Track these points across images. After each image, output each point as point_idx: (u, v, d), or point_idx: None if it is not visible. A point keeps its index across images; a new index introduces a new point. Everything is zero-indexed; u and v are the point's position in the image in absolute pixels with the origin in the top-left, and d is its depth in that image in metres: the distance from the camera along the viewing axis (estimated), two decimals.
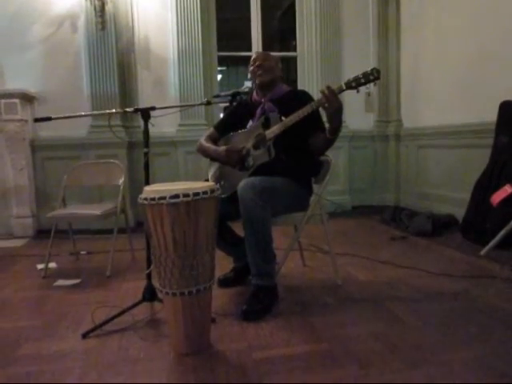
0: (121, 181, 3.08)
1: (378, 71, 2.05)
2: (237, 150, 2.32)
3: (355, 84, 2.06)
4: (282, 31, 7.55)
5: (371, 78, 2.05)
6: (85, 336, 1.93)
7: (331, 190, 4.65)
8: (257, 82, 2.41)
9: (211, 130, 2.61)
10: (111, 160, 3.28)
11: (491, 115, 3.45)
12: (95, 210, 2.89)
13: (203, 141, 2.53)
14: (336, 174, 4.83)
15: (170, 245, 1.69)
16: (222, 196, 1.99)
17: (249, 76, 2.48)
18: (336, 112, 2.05)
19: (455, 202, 3.98)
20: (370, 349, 1.74)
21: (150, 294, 2.11)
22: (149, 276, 2.11)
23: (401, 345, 1.77)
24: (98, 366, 1.69)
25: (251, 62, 2.44)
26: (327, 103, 2.03)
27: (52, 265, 3.10)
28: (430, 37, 4.44)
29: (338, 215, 4.64)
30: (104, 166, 3.26)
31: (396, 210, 4.50)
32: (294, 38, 5.16)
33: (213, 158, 2.47)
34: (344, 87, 2.07)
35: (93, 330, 1.96)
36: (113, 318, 2.02)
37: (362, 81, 2.06)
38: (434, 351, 1.71)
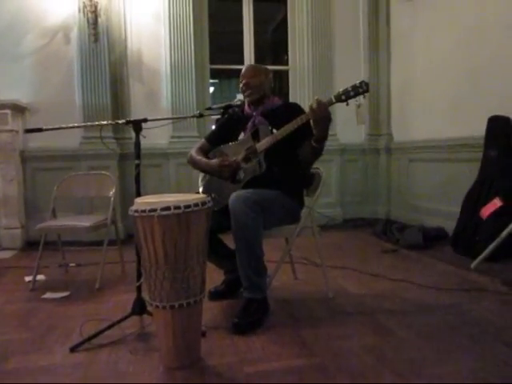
0: (112, 192, 3.06)
1: (367, 84, 2.08)
2: (229, 163, 2.32)
3: (345, 97, 2.09)
4: (274, 45, 7.63)
5: (360, 90, 2.07)
6: (73, 350, 1.90)
7: (323, 203, 4.67)
8: (246, 100, 2.44)
9: (202, 141, 2.61)
10: (102, 171, 3.26)
11: (480, 129, 3.50)
12: (85, 221, 2.88)
13: (194, 153, 2.53)
14: (328, 187, 4.85)
15: (161, 257, 1.69)
16: (214, 209, 1.99)
17: (240, 89, 2.49)
18: (323, 120, 2.04)
19: (446, 215, 4.01)
20: (363, 362, 1.74)
21: (139, 307, 2.09)
22: (139, 289, 2.10)
23: (393, 358, 1.77)
24: (87, 380, 1.66)
25: (240, 79, 2.46)
26: (315, 117, 2.04)
27: (40, 277, 3.06)
28: (420, 51, 4.51)
29: (330, 228, 4.65)
30: (95, 177, 3.25)
31: (387, 222, 4.52)
32: (286, 52, 5.21)
33: (204, 170, 2.47)
34: (333, 100, 2.09)
35: (81, 343, 1.93)
36: (102, 332, 2.00)
37: (351, 93, 2.08)
38: (426, 364, 1.71)
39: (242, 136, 2.46)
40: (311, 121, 2.08)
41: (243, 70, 2.47)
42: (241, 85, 2.44)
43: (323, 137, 2.09)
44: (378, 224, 4.52)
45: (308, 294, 2.60)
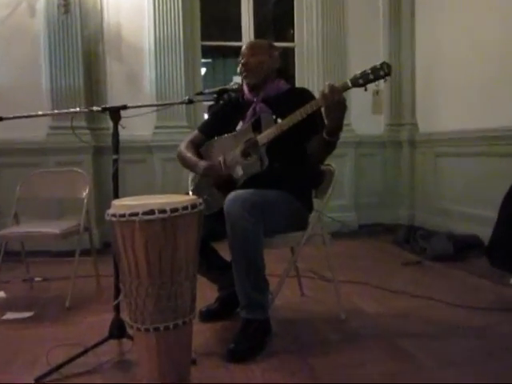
0: (85, 193, 3.07)
1: (389, 66, 2.07)
2: (216, 168, 2.34)
3: (363, 81, 2.07)
4: (277, 17, 7.63)
5: (381, 73, 2.06)
6: (39, 380, 1.90)
7: (334, 206, 4.66)
8: (245, 83, 2.45)
9: (195, 132, 2.62)
10: (74, 168, 3.27)
11: None
12: (54, 227, 2.87)
13: (183, 148, 2.54)
14: (340, 187, 4.85)
15: (143, 270, 1.69)
16: (206, 213, 2.00)
17: (238, 70, 2.50)
18: (337, 108, 2.03)
19: (480, 220, 4.01)
20: None
21: (118, 330, 2.09)
22: (117, 308, 2.10)
23: None
24: None
25: (239, 58, 2.47)
26: (327, 104, 2.04)
27: (0, 294, 3.06)
28: (450, 28, 4.51)
29: (343, 235, 4.65)
30: (65, 175, 3.25)
31: (410, 229, 4.52)
32: (292, 26, 5.22)
33: (192, 170, 2.49)
34: (350, 84, 2.08)
35: (49, 373, 1.93)
36: (73, 359, 2.00)
37: (371, 77, 2.07)
38: None
39: (240, 126, 2.47)
40: (323, 109, 2.08)
41: (243, 48, 2.48)
42: (239, 65, 2.46)
43: (337, 128, 2.08)
44: (399, 231, 4.53)
45: (317, 314, 2.61)
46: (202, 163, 2.38)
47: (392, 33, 5.13)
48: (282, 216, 2.28)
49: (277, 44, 2.67)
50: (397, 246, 4.27)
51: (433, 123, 4.84)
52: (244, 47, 2.48)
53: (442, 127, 4.65)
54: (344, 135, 2.24)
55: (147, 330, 1.72)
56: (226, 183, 2.32)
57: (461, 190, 4.41)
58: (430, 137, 4.85)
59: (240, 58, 2.46)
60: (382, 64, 2.08)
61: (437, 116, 4.78)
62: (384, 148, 5.23)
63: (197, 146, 2.54)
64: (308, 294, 2.95)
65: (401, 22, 5.12)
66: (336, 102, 2.01)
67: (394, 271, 3.48)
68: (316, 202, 2.51)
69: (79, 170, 3.21)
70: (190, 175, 2.58)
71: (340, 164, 4.73)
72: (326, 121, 2.09)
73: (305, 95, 2.39)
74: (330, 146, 2.18)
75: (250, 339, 2.12)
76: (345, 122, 2.12)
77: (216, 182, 2.35)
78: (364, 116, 4.97)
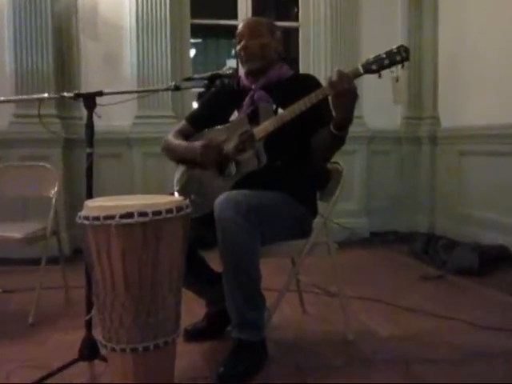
0: (53, 192, 3.06)
1: (407, 50, 2.08)
2: (217, 144, 2.33)
3: (376, 66, 2.08)
4: None
5: (398, 58, 2.07)
6: None
7: (342, 210, 4.65)
8: (245, 69, 2.45)
9: (182, 123, 2.63)
10: (41, 163, 3.26)
11: None
12: (16, 231, 2.86)
13: (171, 137, 2.54)
14: (349, 189, 4.86)
15: (120, 282, 1.69)
16: (194, 216, 1.99)
17: (235, 53, 2.50)
18: (346, 97, 2.03)
19: (510, 228, 4.02)
20: None
21: (89, 350, 2.08)
22: (89, 324, 2.09)
23: None
24: None
25: (236, 38, 2.46)
26: (335, 93, 2.03)
27: None
28: (479, 9, 4.51)
29: (352, 244, 4.65)
30: (31, 170, 3.24)
31: (430, 238, 4.53)
32: (296, 3, 5.23)
33: (184, 159, 2.47)
34: (361, 70, 2.08)
35: None
36: (38, 383, 1.98)
37: (386, 62, 2.07)
38: None
39: (235, 117, 2.47)
40: (330, 98, 2.08)
41: (240, 27, 2.47)
42: (237, 47, 2.44)
43: (347, 120, 2.08)
44: (417, 240, 4.53)
45: (320, 335, 2.61)
46: (198, 143, 2.37)
47: (412, 13, 5.15)
48: (281, 221, 2.27)
49: (278, 24, 2.67)
50: (414, 258, 4.27)
51: (457, 117, 4.85)
52: (242, 27, 2.47)
53: (468, 121, 4.66)
54: (354, 129, 2.23)
55: (123, 350, 1.71)
56: (221, 161, 2.32)
57: (488, 193, 4.42)
58: (454, 132, 4.86)
59: (237, 40, 2.45)
60: (399, 47, 2.08)
61: (462, 109, 4.79)
62: (400, 145, 5.24)
63: (185, 137, 2.54)
64: (310, 311, 2.95)
65: (422, 0, 5.13)
66: (345, 91, 2.01)
67: (410, 286, 3.48)
68: (321, 206, 2.51)
69: (47, 165, 3.20)
70: (177, 173, 2.56)
71: (349, 162, 4.75)
72: (333, 112, 2.09)
73: (310, 82, 2.38)
74: (337, 141, 2.18)
75: (243, 363, 2.11)
76: (355, 113, 2.11)
77: (215, 163, 2.33)
78: (378, 107, 4.96)
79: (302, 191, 2.38)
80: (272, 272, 2.44)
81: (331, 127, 2.10)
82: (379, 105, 5.01)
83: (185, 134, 2.55)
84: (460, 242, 4.29)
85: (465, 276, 3.67)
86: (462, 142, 4.75)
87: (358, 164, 5.01)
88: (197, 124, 2.56)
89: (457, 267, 3.80)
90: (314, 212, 2.46)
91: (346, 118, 2.08)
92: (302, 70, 4.97)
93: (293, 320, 2.83)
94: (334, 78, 2.00)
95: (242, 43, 2.42)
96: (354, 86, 2.03)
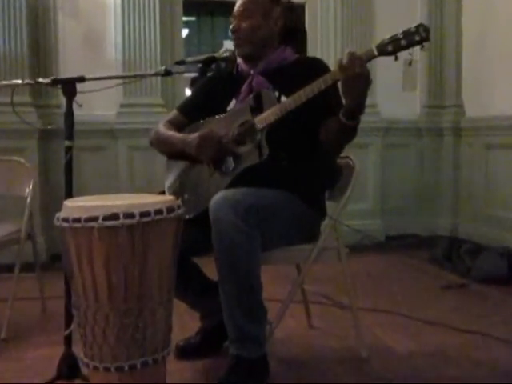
0: (28, 190, 3.05)
1: (427, 29, 2.07)
2: (216, 136, 2.32)
3: (392, 47, 2.07)
4: None
5: (416, 38, 2.07)
6: None
7: (354, 211, 4.67)
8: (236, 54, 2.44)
9: (174, 112, 2.63)
10: (14, 157, 3.25)
11: None
12: None
13: (162, 127, 2.54)
14: (362, 186, 4.87)
15: (103, 292, 1.69)
16: (187, 217, 1.99)
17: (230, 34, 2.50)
18: (358, 82, 2.03)
19: None
20: None
21: (69, 368, 2.07)
22: (68, 340, 2.09)
23: None
24: None
25: (231, 18, 2.46)
26: (346, 77, 2.04)
27: None
28: None
29: (365, 249, 4.66)
30: (2, 165, 3.24)
31: (453, 242, 4.53)
32: None
33: (177, 153, 2.47)
34: (375, 52, 2.07)
35: None
36: None
37: (403, 43, 2.07)
38: None
39: (233, 106, 2.47)
40: (340, 84, 2.09)
41: (236, 5, 2.47)
42: (230, 27, 2.45)
43: (358, 108, 2.09)
44: (438, 245, 4.53)
45: (329, 352, 2.61)
46: (194, 134, 2.35)
47: None
48: (284, 223, 2.28)
49: None
50: (435, 265, 4.27)
51: (483, 105, 4.85)
52: (237, 5, 2.47)
53: (496, 111, 4.65)
54: (367, 119, 2.24)
55: (107, 369, 1.71)
56: (221, 156, 2.32)
57: None
58: (480, 123, 4.86)
59: (232, 20, 2.45)
60: (418, 26, 2.07)
61: (489, 96, 4.79)
62: (420, 137, 5.25)
63: (177, 129, 2.54)
64: (318, 324, 2.95)
65: None
66: (357, 75, 2.01)
67: (430, 297, 3.49)
68: (330, 206, 2.51)
69: (21, 160, 3.19)
70: (167, 181, 2.55)
71: (362, 157, 4.76)
72: (344, 99, 2.09)
73: (317, 66, 2.39)
74: (348, 132, 2.18)
75: (242, 381, 2.11)
76: (368, 101, 2.12)
77: (213, 158, 2.33)
78: (394, 95, 4.97)
79: (309, 189, 2.38)
80: (274, 280, 2.46)
81: (340, 116, 2.11)
82: (395, 92, 5.04)
83: (177, 125, 2.55)
84: (486, 246, 4.28)
85: (492, 285, 3.68)
86: (488, 133, 4.75)
87: (371, 159, 5.02)
88: (190, 114, 2.56)
89: (483, 275, 3.80)
90: (322, 213, 2.46)
91: (358, 106, 2.08)
92: (309, 53, 4.96)
93: (298, 334, 2.83)
94: (345, 60, 2.01)
95: (232, 25, 2.42)
96: (366, 69, 2.03)
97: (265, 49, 2.44)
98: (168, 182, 2.53)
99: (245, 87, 2.44)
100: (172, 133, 2.49)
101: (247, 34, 2.40)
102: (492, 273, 3.77)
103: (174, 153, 2.50)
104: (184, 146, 2.39)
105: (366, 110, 2.13)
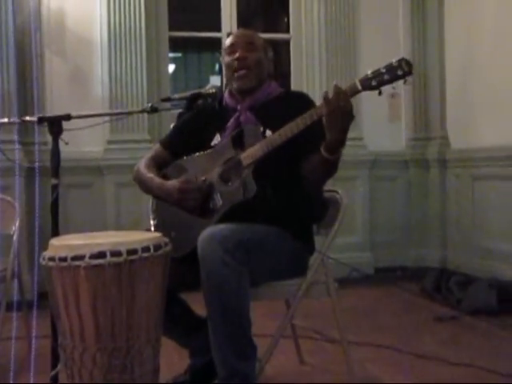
0: (14, 228, 3.05)
1: (409, 64, 2.09)
2: (195, 185, 2.31)
3: (376, 82, 2.09)
4: (267, 1, 7.75)
5: (399, 73, 2.09)
6: None
7: (343, 244, 4.66)
8: (235, 85, 2.44)
9: (157, 147, 2.62)
10: (0, 195, 3.24)
11: None
12: None
13: (143, 166, 2.51)
14: (350, 219, 4.85)
15: (90, 332, 1.68)
16: (174, 255, 1.98)
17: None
18: (341, 116, 2.04)
19: None
20: None
21: None
22: (54, 381, 2.06)
23: None
24: None
25: (227, 49, 2.46)
26: (331, 111, 2.05)
27: None
28: (490, 10, 4.56)
29: (354, 283, 4.64)
30: None
31: (442, 274, 4.53)
32: (286, 13, 5.29)
33: (157, 196, 2.46)
34: (359, 86, 2.09)
35: None
36: None
37: (386, 77, 2.09)
38: None
39: (217, 141, 2.47)
40: (324, 118, 2.09)
41: (233, 38, 2.48)
42: (227, 59, 2.43)
43: (339, 142, 2.09)
44: (427, 276, 4.53)
45: None
46: (173, 184, 2.32)
47: (415, 23, 5.23)
48: (273, 259, 2.27)
49: (267, 36, 2.69)
50: (425, 297, 4.27)
51: (469, 136, 4.87)
52: (235, 37, 2.48)
53: (481, 142, 4.68)
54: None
55: None
56: (203, 203, 2.30)
57: (507, 222, 4.42)
58: (466, 154, 4.88)
59: (228, 51, 2.45)
60: (400, 61, 2.09)
61: (474, 127, 4.82)
62: (406, 169, 5.28)
63: (160, 165, 2.53)
64: (309, 360, 2.93)
65: (426, 9, 5.22)
66: (341, 108, 2.02)
67: (421, 329, 3.48)
68: (318, 240, 2.51)
69: (7, 198, 3.20)
70: (151, 203, 2.54)
71: (350, 190, 4.75)
72: (326, 133, 2.09)
73: (302, 101, 2.41)
74: (329, 166, 2.19)
75: None
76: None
77: (195, 209, 2.33)
78: (380, 127, 5.00)
79: (297, 224, 2.38)
80: (264, 316, 2.44)
81: (322, 150, 2.11)
82: (381, 124, 5.06)
83: (159, 162, 2.53)
84: (476, 277, 4.29)
85: (482, 317, 3.67)
86: (475, 164, 4.77)
87: (359, 191, 5.02)
88: (173, 150, 2.55)
89: (473, 307, 3.80)
90: (310, 247, 2.46)
91: (339, 141, 2.08)
92: (293, 87, 5.01)
93: (288, 370, 2.82)
94: (331, 94, 2.02)
95: (238, 53, 2.39)
96: (350, 104, 2.04)
97: (259, 86, 2.46)
98: (154, 220, 2.52)
99: (232, 122, 2.44)
100: (151, 176, 2.44)
101: (255, 66, 2.41)
102: (482, 305, 3.77)
103: (153, 196, 2.49)
104: (162, 194, 2.38)
105: (353, 143, 2.15)
